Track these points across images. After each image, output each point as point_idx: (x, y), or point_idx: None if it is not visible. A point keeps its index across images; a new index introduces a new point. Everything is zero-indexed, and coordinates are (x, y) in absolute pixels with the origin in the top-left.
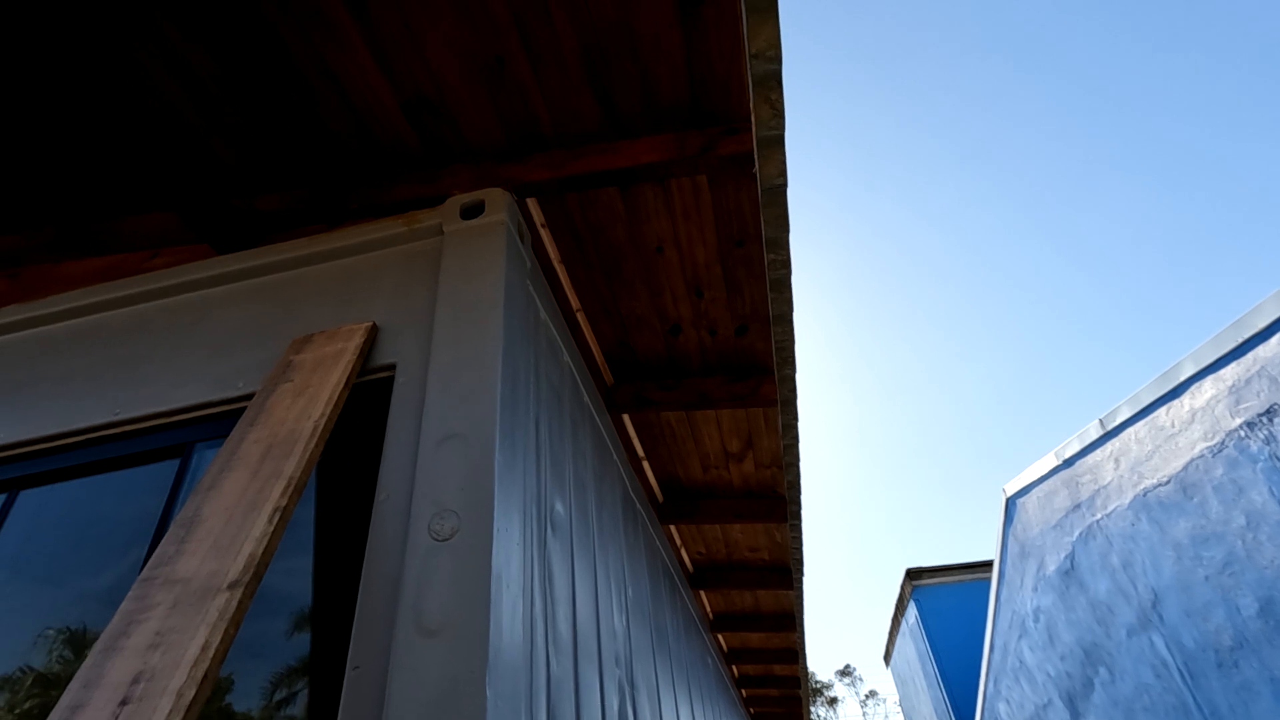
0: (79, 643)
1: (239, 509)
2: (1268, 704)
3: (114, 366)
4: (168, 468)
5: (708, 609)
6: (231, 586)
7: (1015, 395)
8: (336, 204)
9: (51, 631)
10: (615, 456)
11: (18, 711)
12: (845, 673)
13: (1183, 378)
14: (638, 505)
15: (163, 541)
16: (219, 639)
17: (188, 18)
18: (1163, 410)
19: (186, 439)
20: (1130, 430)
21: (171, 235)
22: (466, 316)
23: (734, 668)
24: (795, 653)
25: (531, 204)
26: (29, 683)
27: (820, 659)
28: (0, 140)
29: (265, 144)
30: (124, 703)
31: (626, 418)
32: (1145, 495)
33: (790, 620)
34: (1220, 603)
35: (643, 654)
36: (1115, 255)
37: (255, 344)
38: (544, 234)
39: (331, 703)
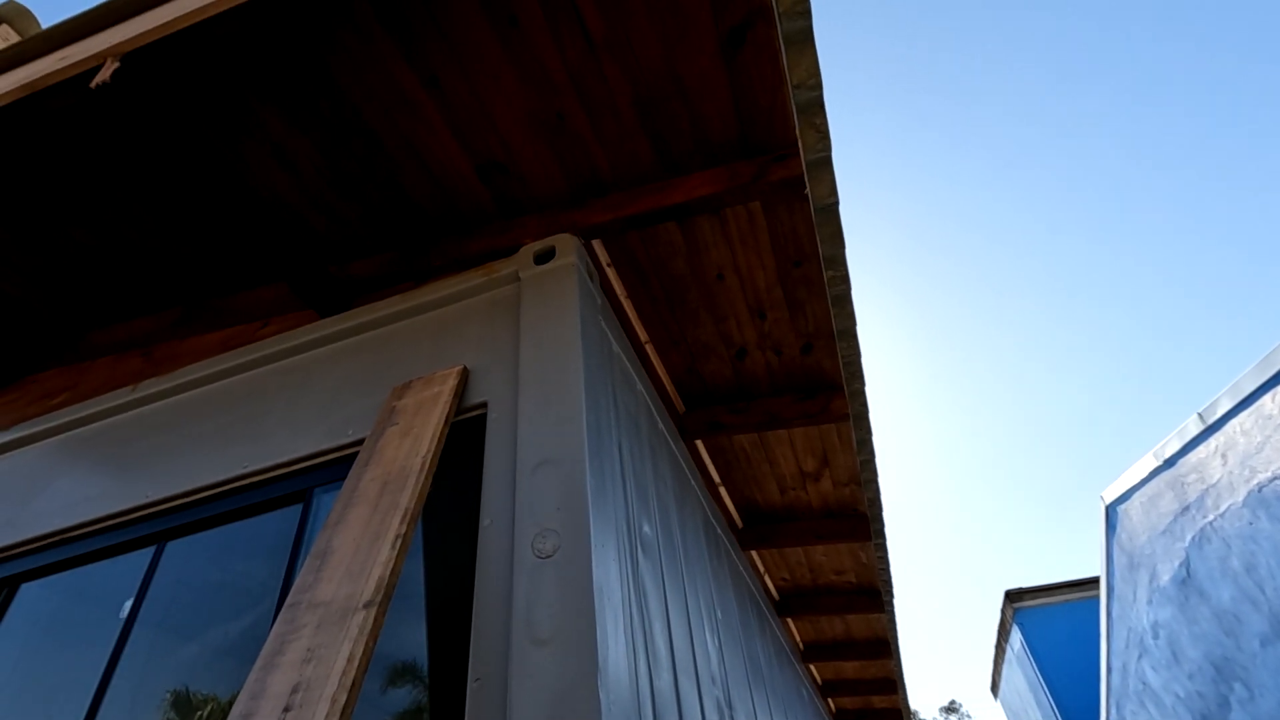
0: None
1: (365, 539)
2: None
3: (238, 426)
4: (292, 513)
5: (797, 638)
6: (367, 605)
7: (1106, 403)
8: (421, 263)
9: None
10: (693, 483)
11: None
12: (951, 709)
13: None
14: (718, 530)
15: (301, 572)
16: (361, 651)
17: (286, 110)
18: (1267, 398)
19: (307, 485)
20: (1234, 422)
21: (279, 305)
22: (548, 353)
23: (830, 701)
24: (894, 682)
25: (596, 245)
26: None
27: (922, 695)
28: (133, 234)
29: (358, 216)
30: (287, 709)
31: (700, 444)
32: (1260, 490)
33: (885, 647)
34: None
35: (737, 678)
36: (1203, 252)
37: (360, 395)
38: (610, 272)
39: (457, 713)
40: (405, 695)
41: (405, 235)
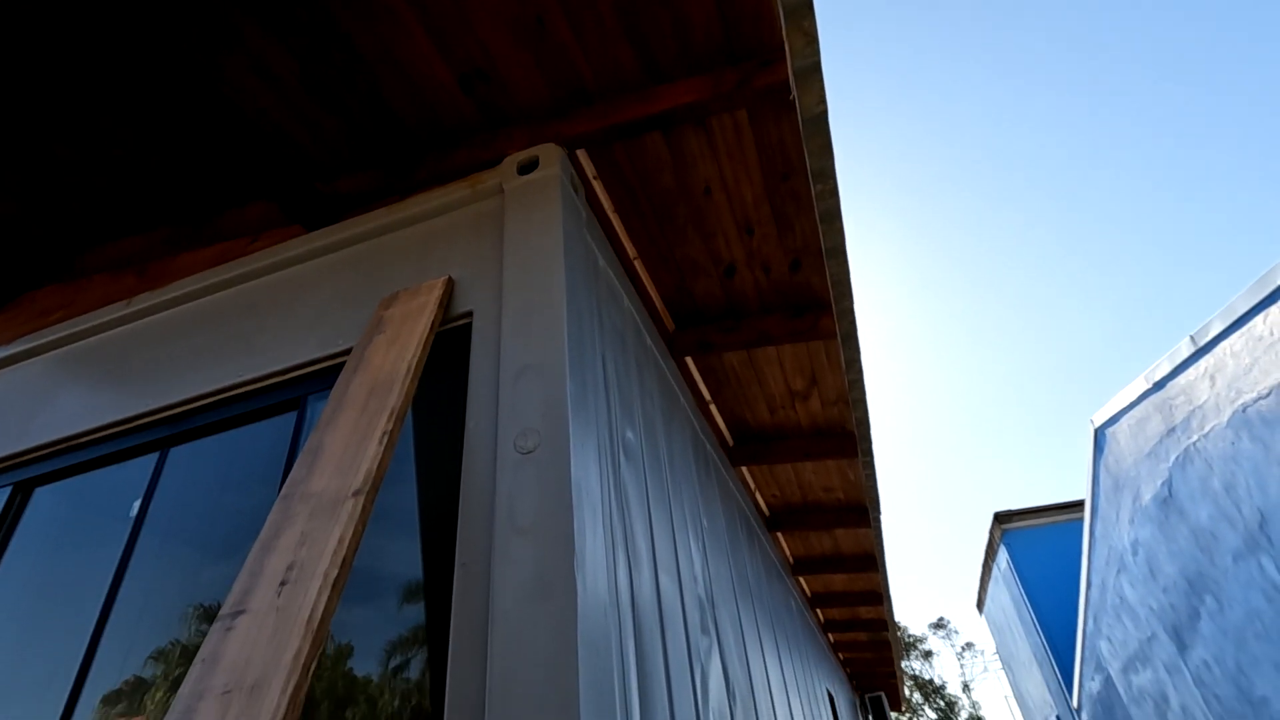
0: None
1: (354, 437)
2: None
3: (232, 338)
4: (287, 419)
5: (787, 553)
6: (356, 494)
7: (1109, 330)
8: (407, 178)
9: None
10: (682, 400)
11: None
12: (939, 625)
13: None
14: (708, 448)
15: (294, 468)
16: (350, 534)
17: (264, 21)
18: (1259, 319)
19: (300, 393)
20: (1225, 344)
21: (267, 222)
22: (531, 263)
23: (819, 612)
24: (880, 594)
25: (582, 158)
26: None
27: (912, 613)
28: (117, 150)
29: (342, 131)
30: (284, 583)
31: (690, 361)
32: (1245, 411)
33: (872, 561)
34: None
35: (722, 584)
36: (1213, 170)
37: (349, 306)
38: (596, 186)
39: (445, 593)
40: (400, 580)
41: (390, 150)
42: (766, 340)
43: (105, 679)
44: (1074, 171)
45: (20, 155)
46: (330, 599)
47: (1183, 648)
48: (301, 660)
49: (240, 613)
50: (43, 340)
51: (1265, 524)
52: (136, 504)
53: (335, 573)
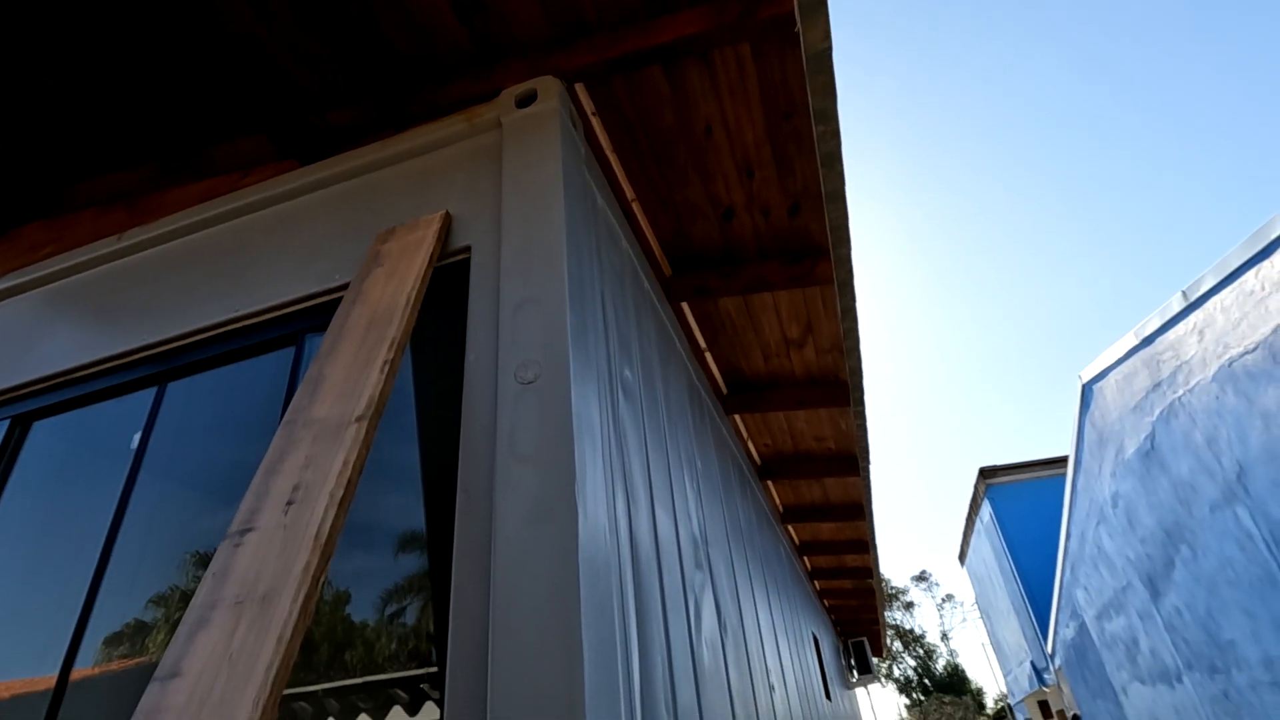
0: None
1: (355, 366)
2: None
3: (227, 273)
4: (285, 355)
5: (777, 501)
6: (359, 420)
7: (1104, 290)
8: (401, 111)
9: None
10: (678, 345)
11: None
12: (921, 578)
13: (1276, 234)
14: (703, 394)
15: (296, 395)
16: (354, 457)
17: None
18: (1251, 274)
19: (297, 328)
20: (1215, 299)
21: (259, 156)
22: (530, 197)
23: (806, 560)
24: (866, 543)
25: (581, 93)
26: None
27: (896, 566)
28: (106, 88)
29: (334, 62)
30: (290, 503)
31: (687, 307)
32: (1230, 365)
33: (859, 510)
34: None
35: (715, 524)
36: (1215, 127)
37: (345, 241)
38: (595, 123)
39: (447, 519)
40: (402, 507)
41: (384, 82)
42: (764, 286)
43: (110, 609)
44: (1073, 129)
45: (7, 86)
46: (337, 517)
47: (1156, 595)
48: (311, 572)
49: (248, 530)
50: (33, 275)
51: (1243, 475)
52: (136, 437)
53: (341, 493)
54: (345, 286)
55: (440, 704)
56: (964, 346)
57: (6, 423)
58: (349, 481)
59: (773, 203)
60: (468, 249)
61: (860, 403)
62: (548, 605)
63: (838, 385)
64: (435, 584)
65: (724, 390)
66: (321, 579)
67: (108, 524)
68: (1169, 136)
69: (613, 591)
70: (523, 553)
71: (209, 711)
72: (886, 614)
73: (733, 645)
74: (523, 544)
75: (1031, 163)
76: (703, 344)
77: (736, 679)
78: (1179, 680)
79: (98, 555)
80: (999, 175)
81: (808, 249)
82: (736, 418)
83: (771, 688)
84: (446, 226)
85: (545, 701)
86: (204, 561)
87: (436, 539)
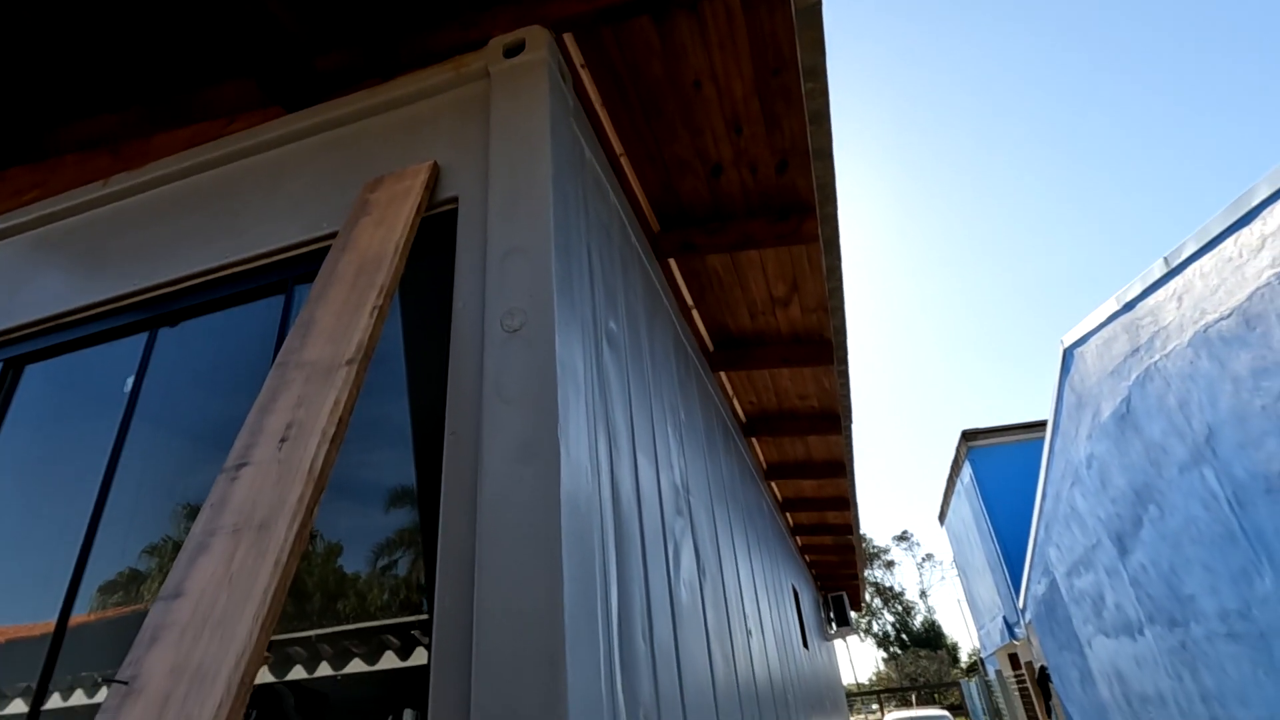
0: None
1: (345, 311)
2: None
3: (215, 220)
4: (275, 303)
5: (761, 459)
6: (349, 362)
7: (1087, 258)
8: (388, 57)
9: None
10: (665, 301)
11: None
12: (903, 538)
13: (1255, 202)
14: (689, 350)
15: (287, 338)
16: (345, 398)
17: None
18: (1231, 240)
19: (286, 275)
20: (1195, 265)
21: (245, 102)
22: (517, 148)
23: (788, 516)
24: (847, 500)
25: (570, 44)
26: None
27: (878, 525)
28: (88, 29)
29: (321, 3)
30: (284, 440)
31: (674, 263)
32: (1206, 331)
33: (841, 468)
34: (1274, 431)
35: (697, 474)
36: (1208, 91)
37: (333, 190)
38: (584, 75)
39: (436, 460)
40: (392, 448)
41: (372, 26)
42: (750, 243)
43: (108, 551)
44: (1066, 95)
45: None
46: (329, 452)
47: (1124, 552)
48: (305, 503)
49: (244, 465)
50: (18, 220)
51: (1212, 437)
52: (130, 380)
53: (332, 430)
54: (333, 235)
55: (429, 648)
56: (952, 309)
57: None
58: (340, 420)
59: (761, 159)
60: (455, 199)
61: (843, 362)
62: (531, 537)
63: (822, 344)
64: (424, 523)
65: (710, 347)
66: (315, 510)
67: (103, 467)
68: (1162, 103)
69: (593, 528)
70: (508, 489)
71: (211, 627)
72: (868, 572)
73: (711, 588)
74: (508, 481)
75: (1023, 128)
76: (690, 301)
77: (714, 619)
78: (1141, 633)
79: (94, 498)
80: (989, 140)
81: (795, 206)
82: (722, 375)
83: (749, 632)
84: (434, 177)
85: (528, 625)
86: (196, 504)
87: (426, 481)
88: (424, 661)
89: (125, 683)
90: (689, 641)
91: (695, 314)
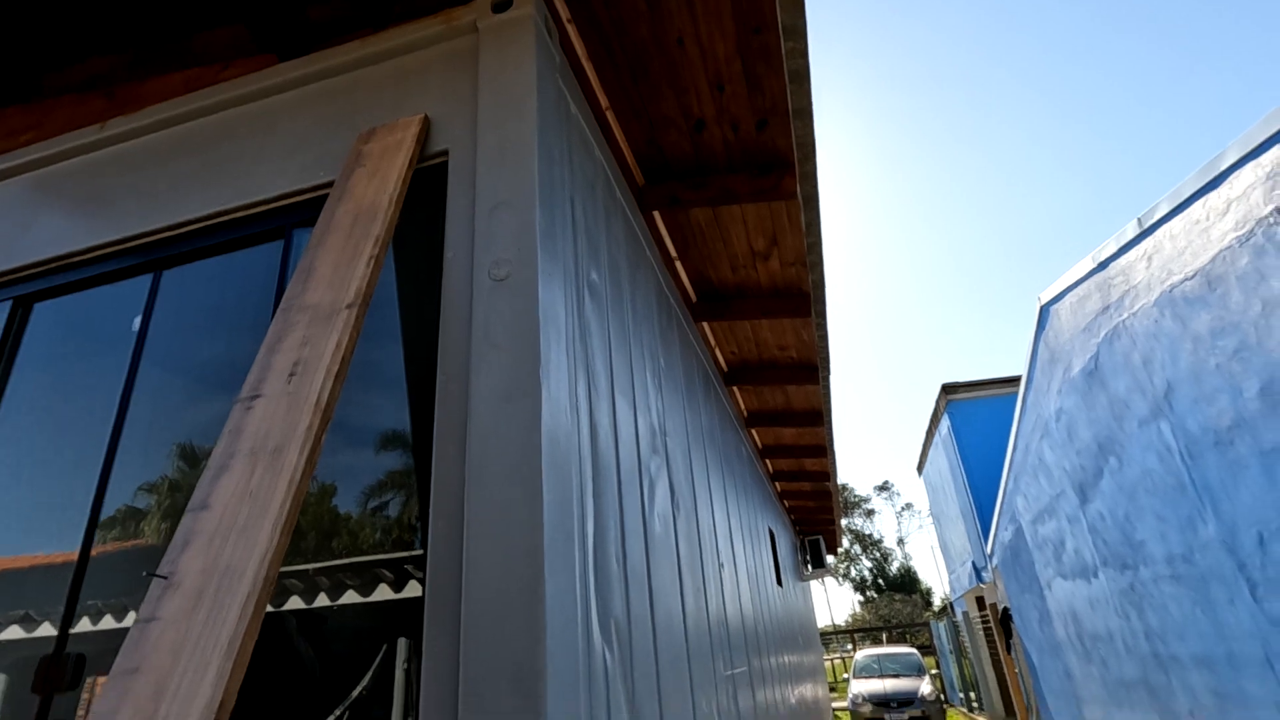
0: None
1: (343, 259)
2: (1254, 475)
3: (213, 166)
4: (274, 248)
5: (742, 407)
6: (349, 307)
7: (1072, 215)
8: (380, 9)
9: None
10: (649, 252)
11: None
12: (883, 488)
13: (1224, 166)
14: (672, 301)
15: (290, 284)
16: (347, 339)
17: None
18: (1199, 203)
19: (284, 223)
20: (1166, 227)
21: (238, 48)
22: (505, 103)
23: (768, 463)
24: (824, 448)
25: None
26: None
27: (859, 475)
28: None
29: None
30: (292, 375)
31: (658, 217)
32: (1172, 291)
33: (819, 417)
34: (1226, 388)
35: (675, 419)
36: (1197, 45)
37: (326, 139)
38: (571, 30)
39: (428, 400)
40: (383, 392)
41: None
42: (731, 198)
43: (127, 473)
44: (1055, 49)
45: None
46: (334, 387)
47: (1084, 501)
48: (313, 432)
49: (256, 397)
50: (16, 161)
51: (1170, 393)
52: (137, 320)
53: (336, 368)
54: (328, 184)
55: (423, 581)
56: (942, 265)
57: (9, 304)
58: (343, 359)
59: (742, 117)
60: (445, 153)
61: (821, 315)
62: (514, 466)
63: (800, 297)
64: (418, 458)
65: (694, 298)
66: (322, 438)
67: (116, 403)
68: (1155, 54)
69: (571, 461)
70: (495, 425)
71: (236, 533)
72: (849, 521)
73: (684, 522)
74: (495, 417)
75: (1011, 81)
76: (674, 253)
77: (686, 551)
78: (1095, 576)
79: (109, 432)
80: (977, 93)
81: (775, 163)
82: (705, 325)
83: (721, 565)
84: (425, 130)
85: (511, 545)
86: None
87: (419, 420)
88: (417, 594)
89: (165, 578)
90: (661, 568)
91: (679, 265)
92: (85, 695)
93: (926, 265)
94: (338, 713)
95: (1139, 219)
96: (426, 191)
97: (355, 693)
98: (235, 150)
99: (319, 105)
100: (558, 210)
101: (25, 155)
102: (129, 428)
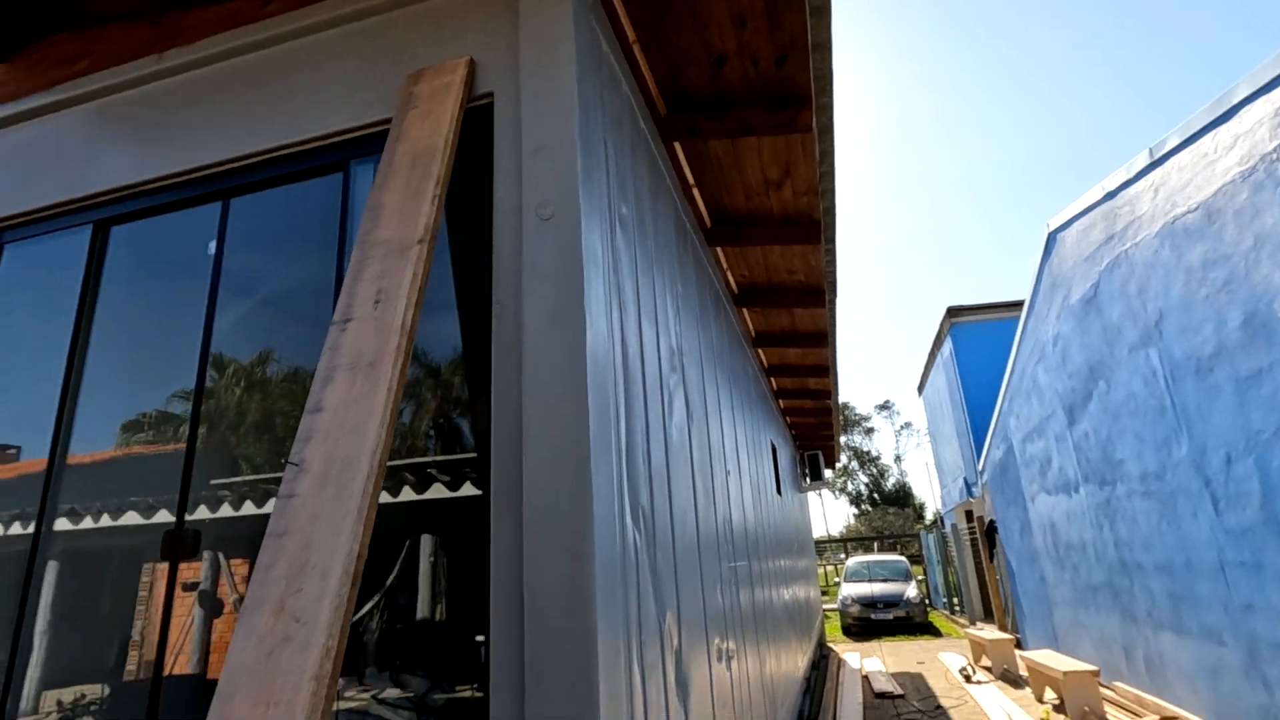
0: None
1: (408, 196)
2: (1228, 400)
3: (270, 100)
4: (335, 180)
5: (750, 327)
6: (419, 242)
7: (1094, 142)
8: None
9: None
10: (668, 180)
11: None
12: (884, 407)
13: (1235, 100)
14: (688, 226)
15: (362, 221)
16: (421, 272)
17: None
18: (1208, 136)
19: (343, 157)
20: (1174, 159)
21: None
22: (544, 49)
23: (773, 381)
24: (827, 368)
25: None
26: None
27: (862, 394)
28: None
29: None
30: (377, 302)
31: (678, 146)
32: (1174, 223)
33: (823, 338)
34: (1212, 318)
35: (689, 337)
36: None
37: (377, 78)
38: None
39: (484, 327)
40: (446, 315)
41: None
42: (749, 130)
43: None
44: None
45: None
46: (414, 314)
47: (1072, 422)
48: (402, 350)
49: (349, 320)
50: (78, 91)
51: (1161, 320)
52: (212, 244)
53: (415, 297)
54: (383, 121)
55: (476, 483)
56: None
57: (89, 227)
58: (420, 288)
59: (762, 53)
60: (490, 95)
61: (831, 241)
62: (564, 382)
63: (811, 225)
64: (472, 376)
65: (709, 223)
66: (409, 356)
67: (201, 319)
68: None
69: (608, 378)
70: (546, 346)
71: (348, 430)
72: (849, 438)
73: (697, 432)
74: (545, 339)
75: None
76: (691, 180)
77: (698, 456)
78: (1076, 491)
79: (199, 345)
80: (994, 16)
81: (792, 98)
82: (718, 249)
83: (728, 472)
84: (472, 72)
85: (563, 444)
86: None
87: (471, 344)
88: (472, 493)
89: (296, 464)
90: (677, 470)
91: (696, 192)
92: (146, 579)
93: (942, 182)
94: (375, 599)
95: (1150, 149)
96: (473, 133)
97: (389, 581)
98: (288, 87)
99: (365, 44)
100: (593, 152)
101: (86, 85)
102: (215, 340)
